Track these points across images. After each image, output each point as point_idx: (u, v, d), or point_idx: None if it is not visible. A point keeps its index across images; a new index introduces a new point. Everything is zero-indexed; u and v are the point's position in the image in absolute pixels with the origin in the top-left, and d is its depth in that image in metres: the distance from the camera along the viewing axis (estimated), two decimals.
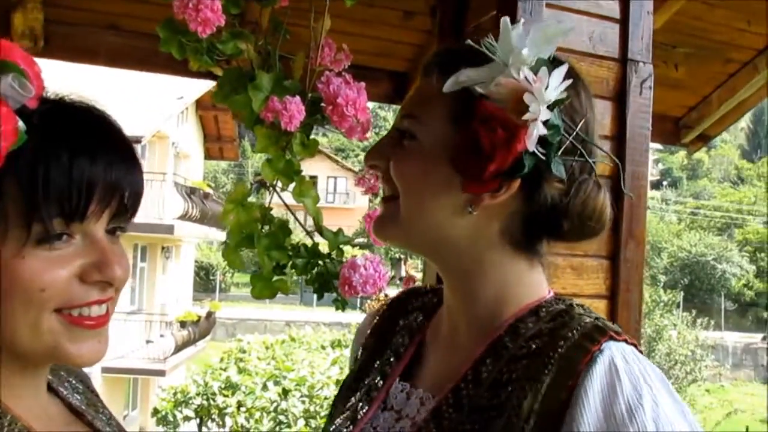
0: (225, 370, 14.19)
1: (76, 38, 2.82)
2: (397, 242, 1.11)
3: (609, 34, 1.93)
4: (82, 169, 0.86)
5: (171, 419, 13.35)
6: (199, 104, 18.67)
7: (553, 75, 0.93)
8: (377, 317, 1.25)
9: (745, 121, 75.81)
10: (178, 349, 16.36)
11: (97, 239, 0.90)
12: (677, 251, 42.00)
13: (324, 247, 1.80)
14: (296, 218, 1.83)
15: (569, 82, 0.94)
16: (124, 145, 0.94)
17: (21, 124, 0.79)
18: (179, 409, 13.31)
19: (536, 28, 0.94)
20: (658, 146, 63.46)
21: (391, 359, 1.13)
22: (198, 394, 13.38)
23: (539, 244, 1.05)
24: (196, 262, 28.38)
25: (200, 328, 18.22)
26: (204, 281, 36.75)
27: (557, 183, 0.99)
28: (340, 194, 39.48)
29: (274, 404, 11.60)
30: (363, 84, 1.75)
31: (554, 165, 0.96)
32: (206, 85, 11.17)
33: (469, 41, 0.98)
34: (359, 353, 1.22)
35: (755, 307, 40.94)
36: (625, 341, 0.94)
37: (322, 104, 1.71)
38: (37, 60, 0.84)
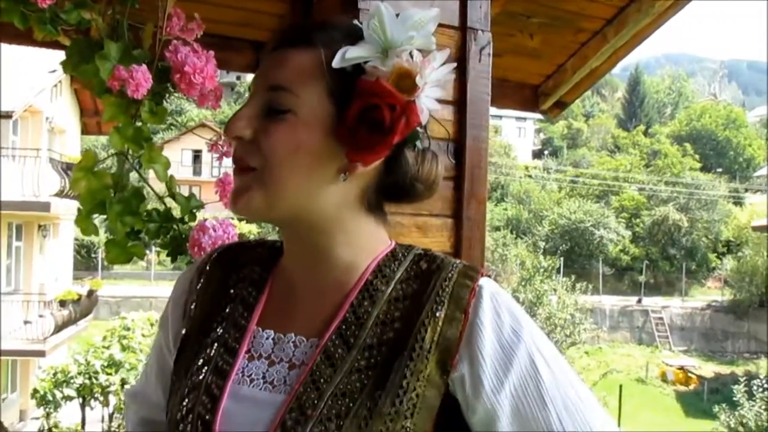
0: (108, 348, 13.91)
1: None
2: (258, 214, 1.11)
3: (449, 4, 1.98)
4: None
5: (51, 399, 12.98)
6: (74, 78, 17.98)
7: (436, 57, 1.03)
8: (202, 274, 1.26)
9: (621, 91, 78.69)
10: (59, 329, 15.86)
11: None
12: (558, 218, 43.25)
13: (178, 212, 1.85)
14: (147, 184, 1.85)
15: (453, 65, 1.05)
16: None
17: None
18: (60, 388, 12.96)
19: (411, 14, 1.03)
20: (539, 116, 65.06)
21: (241, 310, 1.17)
22: (80, 374, 13.08)
23: (384, 205, 1.15)
24: (76, 240, 27.38)
25: (81, 307, 17.69)
26: (85, 259, 35.54)
27: (411, 153, 1.09)
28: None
29: None
30: (212, 53, 1.78)
31: (416, 137, 1.08)
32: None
33: (354, 20, 1.06)
34: (192, 308, 1.23)
35: (631, 272, 42.60)
36: (488, 276, 1.10)
37: (171, 71, 1.74)
38: None
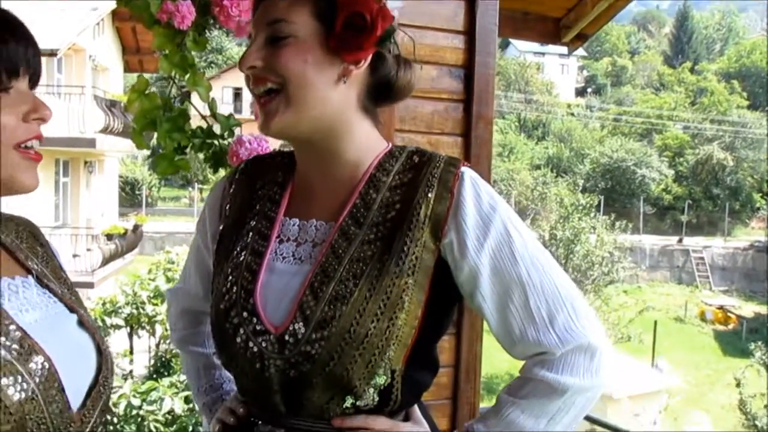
0: (153, 280, 14.34)
1: None
2: (287, 128, 1.34)
3: None
4: (18, 47, 1.20)
5: (100, 326, 13.57)
6: (116, 16, 18.26)
7: None
8: (233, 182, 1.55)
9: (668, 27, 76.96)
10: (106, 262, 16.47)
11: (26, 91, 1.23)
12: (599, 157, 43.04)
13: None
14: (192, 104, 2.12)
15: None
16: (31, 34, 1.25)
17: None
18: (109, 317, 13.52)
19: None
20: (583, 53, 64.20)
21: (269, 206, 1.45)
22: (127, 304, 13.56)
23: (376, 109, 1.42)
24: (120, 177, 28.10)
25: (127, 242, 18.29)
26: (130, 196, 36.33)
27: (392, 59, 1.37)
28: None
29: None
30: None
31: (392, 32, 1.35)
32: None
33: None
34: (226, 209, 1.52)
35: (673, 211, 42.38)
36: (470, 167, 1.37)
37: (210, 4, 1.99)
38: None
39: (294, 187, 1.47)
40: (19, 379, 1.15)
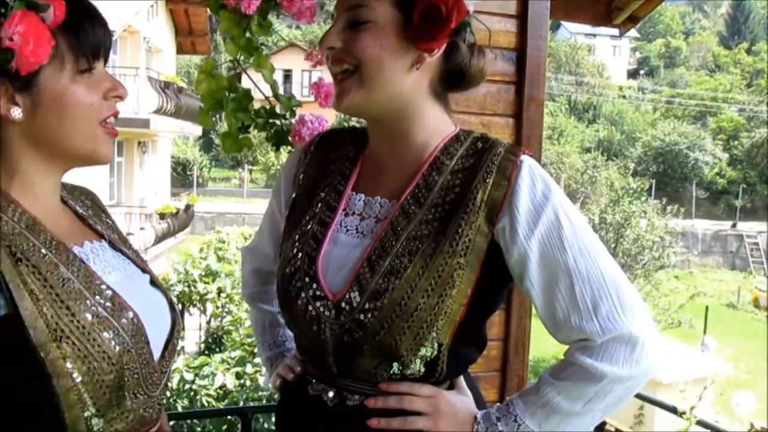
0: (205, 259, 14.57)
1: None
2: (358, 106, 1.44)
3: None
4: (97, 32, 1.31)
5: None
6: None
7: None
8: (308, 153, 1.65)
9: (725, 7, 75.23)
10: (158, 240, 16.80)
11: (104, 72, 1.35)
12: (651, 140, 42.43)
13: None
14: (256, 85, 2.22)
15: None
16: (104, 18, 1.36)
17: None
18: None
19: None
20: (636, 34, 63.16)
21: (339, 179, 1.55)
22: (179, 282, 13.81)
23: (447, 94, 1.50)
24: (172, 157, 28.53)
25: (179, 221, 18.64)
26: (181, 176, 36.85)
27: (466, 48, 1.44)
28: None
29: None
30: None
31: (466, 25, 1.42)
32: None
33: None
34: (300, 178, 1.62)
35: (726, 195, 41.66)
36: (531, 156, 1.44)
37: None
38: None
39: (364, 163, 1.56)
40: (116, 333, 1.26)
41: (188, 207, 19.88)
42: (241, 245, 15.54)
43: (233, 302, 12.58)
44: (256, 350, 8.82)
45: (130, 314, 1.30)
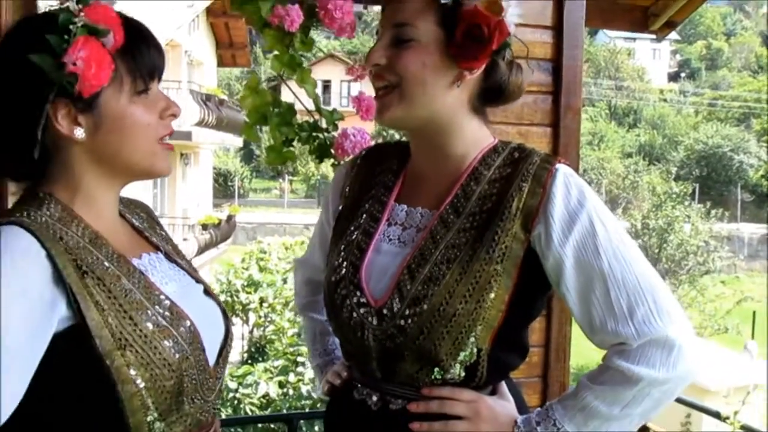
0: (247, 269, 14.67)
1: None
2: (398, 120, 1.50)
3: None
4: (153, 54, 1.37)
5: None
6: (210, 12, 18.72)
7: None
8: (354, 166, 1.72)
9: (767, 6, 73.95)
10: (201, 251, 16.95)
11: (159, 92, 1.41)
12: (694, 144, 41.88)
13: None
14: (299, 100, 2.28)
15: None
16: (158, 40, 1.43)
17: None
18: None
19: None
20: (676, 37, 62.41)
21: (383, 191, 1.60)
22: (222, 292, 13.89)
23: (485, 108, 1.55)
24: (214, 168, 28.78)
25: (221, 231, 18.82)
26: (223, 187, 37.13)
27: (503, 63, 1.49)
28: (350, 95, 39.39)
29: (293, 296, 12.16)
30: None
31: (507, 45, 1.48)
32: None
33: None
34: (346, 190, 1.69)
35: None
36: (566, 164, 1.47)
37: (317, 9, 2.13)
38: None
39: (406, 175, 1.61)
40: (175, 341, 1.31)
41: (230, 217, 20.08)
42: (282, 255, 15.72)
43: (275, 312, 12.67)
44: (298, 359, 8.94)
45: (188, 323, 1.36)
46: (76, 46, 1.24)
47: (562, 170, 1.44)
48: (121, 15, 1.33)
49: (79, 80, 1.25)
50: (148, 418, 1.27)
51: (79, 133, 1.31)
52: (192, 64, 19.37)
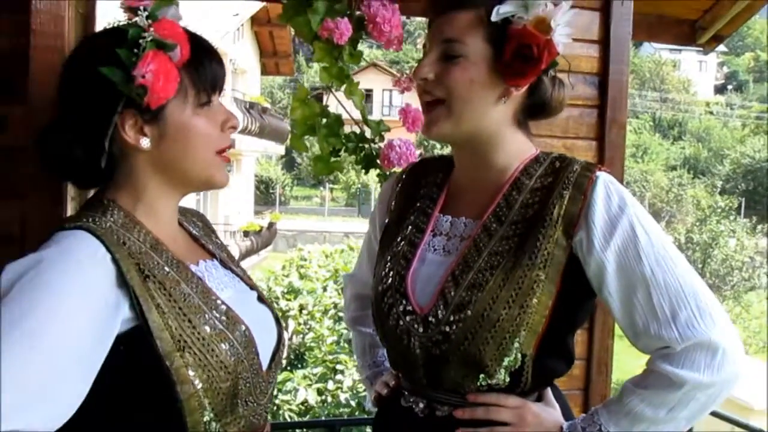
0: (287, 276, 14.73)
1: None
2: (445, 134, 1.53)
3: None
4: (215, 68, 1.43)
5: None
6: (255, 21, 18.97)
7: (563, 6, 1.46)
8: (400, 181, 1.76)
9: None
10: (242, 257, 17.07)
11: (219, 104, 1.45)
12: (740, 157, 41.23)
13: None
14: (347, 111, 2.32)
15: (574, 11, 1.48)
16: (219, 54, 1.48)
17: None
18: None
19: None
20: (723, 49, 61.50)
21: (428, 203, 1.64)
22: None
23: (528, 121, 1.59)
24: (256, 176, 29.02)
25: (262, 238, 18.98)
26: (264, 194, 37.33)
27: (547, 80, 1.53)
28: (395, 107, 39.40)
29: (333, 303, 12.19)
30: (396, 6, 2.21)
31: (555, 64, 1.52)
32: (259, 3, 11.46)
33: None
34: (392, 204, 1.73)
35: None
36: (607, 172, 1.50)
37: (365, 22, 2.18)
38: None
39: (450, 186, 1.65)
40: (231, 345, 1.35)
41: (271, 225, 20.24)
42: (322, 263, 15.76)
43: (314, 319, 12.70)
44: (337, 367, 8.98)
45: (243, 327, 1.40)
46: (145, 60, 1.29)
47: (603, 177, 1.46)
48: (186, 30, 1.38)
49: (147, 92, 1.29)
50: (205, 418, 1.31)
51: (145, 142, 1.36)
52: (236, 73, 19.60)
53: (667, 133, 50.35)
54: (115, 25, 1.38)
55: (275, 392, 8.63)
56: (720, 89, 63.70)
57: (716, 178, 38.28)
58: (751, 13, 3.99)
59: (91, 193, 1.49)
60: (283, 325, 1.63)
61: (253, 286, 1.59)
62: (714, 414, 3.34)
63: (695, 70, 61.33)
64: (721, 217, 23.49)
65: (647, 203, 32.75)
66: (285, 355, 1.38)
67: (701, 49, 4.23)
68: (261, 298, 1.58)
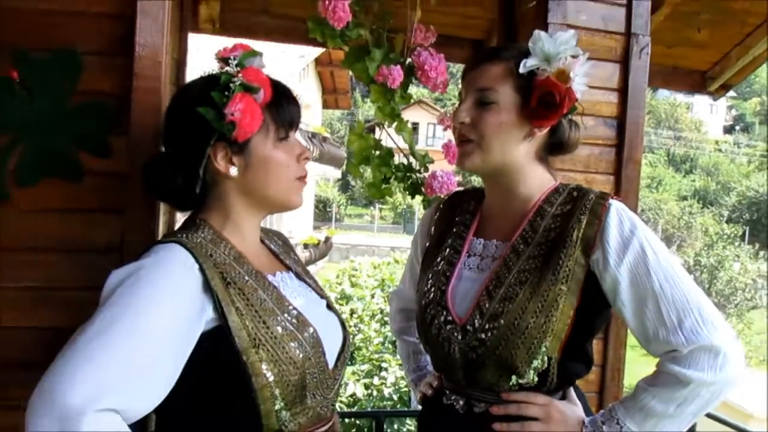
0: (340, 284, 14.77)
1: (240, 20, 3.38)
2: (477, 167, 1.57)
3: (616, 15, 2.30)
4: (293, 109, 1.48)
5: None
6: (318, 62, 19.14)
7: (580, 60, 1.50)
8: (438, 210, 1.80)
9: None
10: None
11: (296, 139, 1.51)
12: (745, 191, 40.31)
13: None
14: (397, 145, 2.37)
15: (591, 63, 1.52)
16: (294, 95, 1.53)
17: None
18: None
19: (557, 36, 1.50)
20: (733, 93, 60.32)
21: (462, 228, 1.68)
22: None
23: (548, 157, 1.62)
24: (315, 196, 29.20)
25: (320, 250, 19.05)
26: (322, 212, 37.44)
27: (567, 123, 1.56)
28: (438, 138, 39.52)
29: (380, 309, 12.19)
30: (442, 55, 2.26)
31: (574, 109, 1.55)
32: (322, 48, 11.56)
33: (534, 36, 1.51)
34: (432, 230, 1.77)
35: None
36: (619, 200, 1.53)
37: (415, 69, 2.22)
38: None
39: (482, 214, 1.68)
40: (300, 343, 1.38)
41: (327, 239, 20.32)
42: (370, 273, 15.79)
43: (363, 322, 12.71)
44: (382, 365, 8.97)
45: (311, 329, 1.42)
46: (234, 101, 1.35)
47: (615, 205, 1.49)
48: (269, 77, 1.44)
49: (236, 128, 1.35)
50: (276, 407, 1.34)
51: (234, 171, 1.42)
52: (302, 106, 19.77)
53: (679, 167, 49.47)
54: (210, 73, 1.44)
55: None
56: (728, 129, 62.40)
57: (723, 209, 37.52)
58: (756, 66, 3.96)
59: (177, 211, 1.54)
60: (349, 329, 1.65)
61: (323, 296, 1.61)
62: (717, 419, 3.29)
63: (706, 112, 60.16)
64: (726, 243, 23.07)
65: (660, 229, 32.21)
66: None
67: (711, 95, 4.21)
68: (330, 306, 1.61)
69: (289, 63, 16.98)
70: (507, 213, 1.61)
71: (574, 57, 1.50)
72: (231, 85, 1.37)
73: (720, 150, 51.75)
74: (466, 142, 1.56)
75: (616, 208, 1.49)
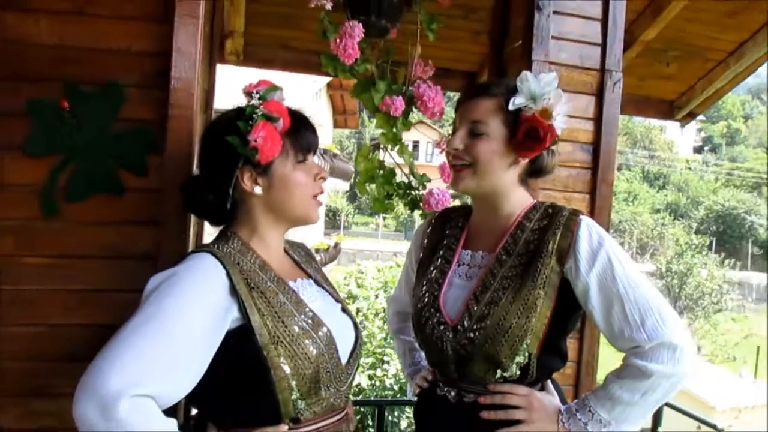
0: (347, 285, 14.70)
1: (261, 54, 3.44)
2: (469, 189, 1.60)
3: (592, 53, 2.35)
4: (310, 135, 1.51)
5: None
6: (330, 85, 19.18)
7: (562, 99, 1.54)
8: (430, 224, 1.83)
9: None
10: None
11: (314, 161, 1.53)
12: (713, 205, 40.21)
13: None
14: (399, 165, 2.40)
15: (571, 101, 1.56)
16: (311, 122, 1.56)
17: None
18: None
19: (542, 77, 1.54)
20: (702, 117, 60.24)
21: (453, 241, 1.71)
22: None
23: (528, 180, 1.66)
24: (326, 206, 29.22)
25: (329, 255, 18.89)
26: (332, 220, 37.37)
27: (546, 152, 1.60)
28: (436, 155, 39.22)
29: (383, 308, 12.16)
30: (439, 87, 2.30)
31: (556, 143, 1.59)
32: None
33: (521, 74, 1.55)
34: (425, 242, 1.80)
35: None
36: (588, 216, 1.56)
37: (415, 99, 2.26)
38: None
39: (469, 228, 1.71)
40: (314, 341, 1.40)
41: (336, 244, 20.20)
42: (375, 275, 15.77)
43: (368, 320, 12.69)
44: (384, 358, 8.98)
45: (325, 329, 1.44)
46: (257, 129, 1.39)
47: (585, 220, 1.53)
48: (289, 108, 1.48)
49: (258, 152, 1.39)
50: (293, 397, 1.36)
51: (258, 190, 1.46)
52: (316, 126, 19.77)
53: (653, 183, 49.43)
54: (237, 106, 1.48)
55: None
56: (698, 149, 62.30)
57: (692, 221, 37.48)
58: (718, 97, 4.01)
59: (205, 224, 1.57)
60: (361, 330, 1.67)
61: (338, 300, 1.63)
62: (682, 412, 3.31)
63: (678, 134, 59.82)
64: (695, 252, 23.00)
65: (636, 239, 32.15)
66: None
67: (678, 122, 4.26)
68: (344, 310, 1.62)
69: (304, 86, 17.03)
70: (491, 228, 1.65)
71: (557, 93, 1.53)
72: (254, 115, 1.41)
73: (690, 168, 51.69)
74: (461, 167, 1.60)
75: (587, 223, 1.53)
